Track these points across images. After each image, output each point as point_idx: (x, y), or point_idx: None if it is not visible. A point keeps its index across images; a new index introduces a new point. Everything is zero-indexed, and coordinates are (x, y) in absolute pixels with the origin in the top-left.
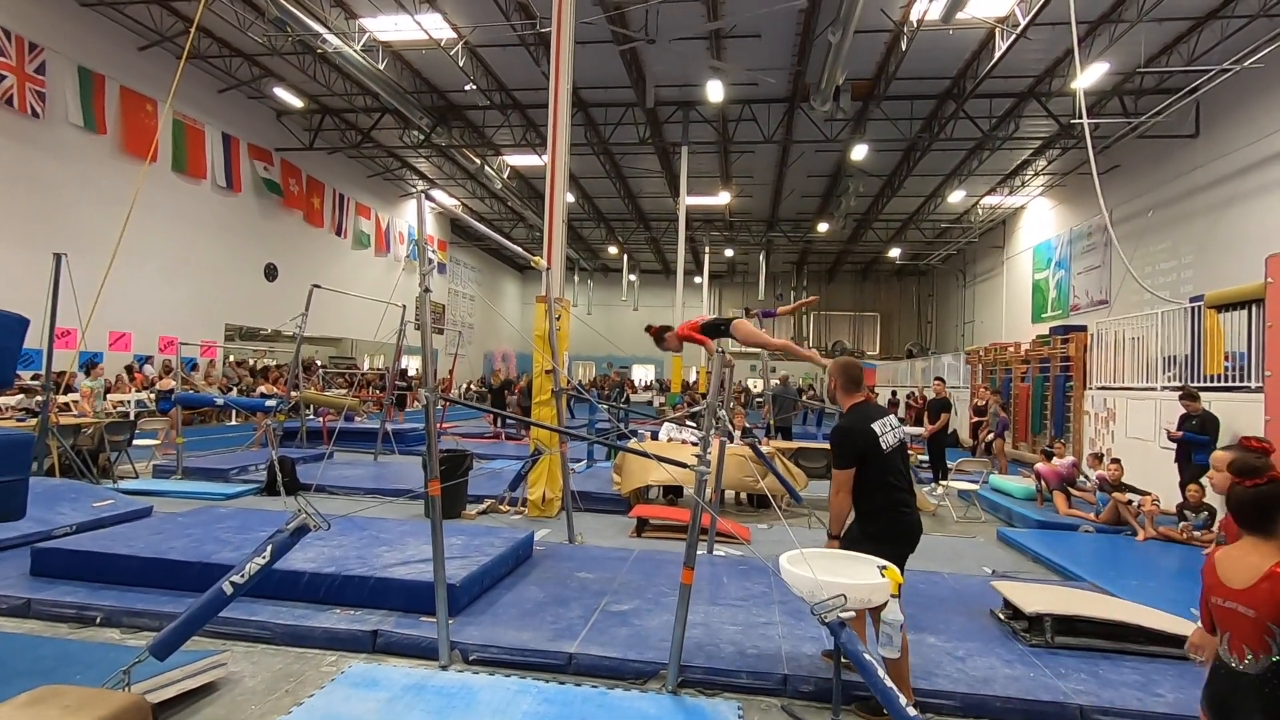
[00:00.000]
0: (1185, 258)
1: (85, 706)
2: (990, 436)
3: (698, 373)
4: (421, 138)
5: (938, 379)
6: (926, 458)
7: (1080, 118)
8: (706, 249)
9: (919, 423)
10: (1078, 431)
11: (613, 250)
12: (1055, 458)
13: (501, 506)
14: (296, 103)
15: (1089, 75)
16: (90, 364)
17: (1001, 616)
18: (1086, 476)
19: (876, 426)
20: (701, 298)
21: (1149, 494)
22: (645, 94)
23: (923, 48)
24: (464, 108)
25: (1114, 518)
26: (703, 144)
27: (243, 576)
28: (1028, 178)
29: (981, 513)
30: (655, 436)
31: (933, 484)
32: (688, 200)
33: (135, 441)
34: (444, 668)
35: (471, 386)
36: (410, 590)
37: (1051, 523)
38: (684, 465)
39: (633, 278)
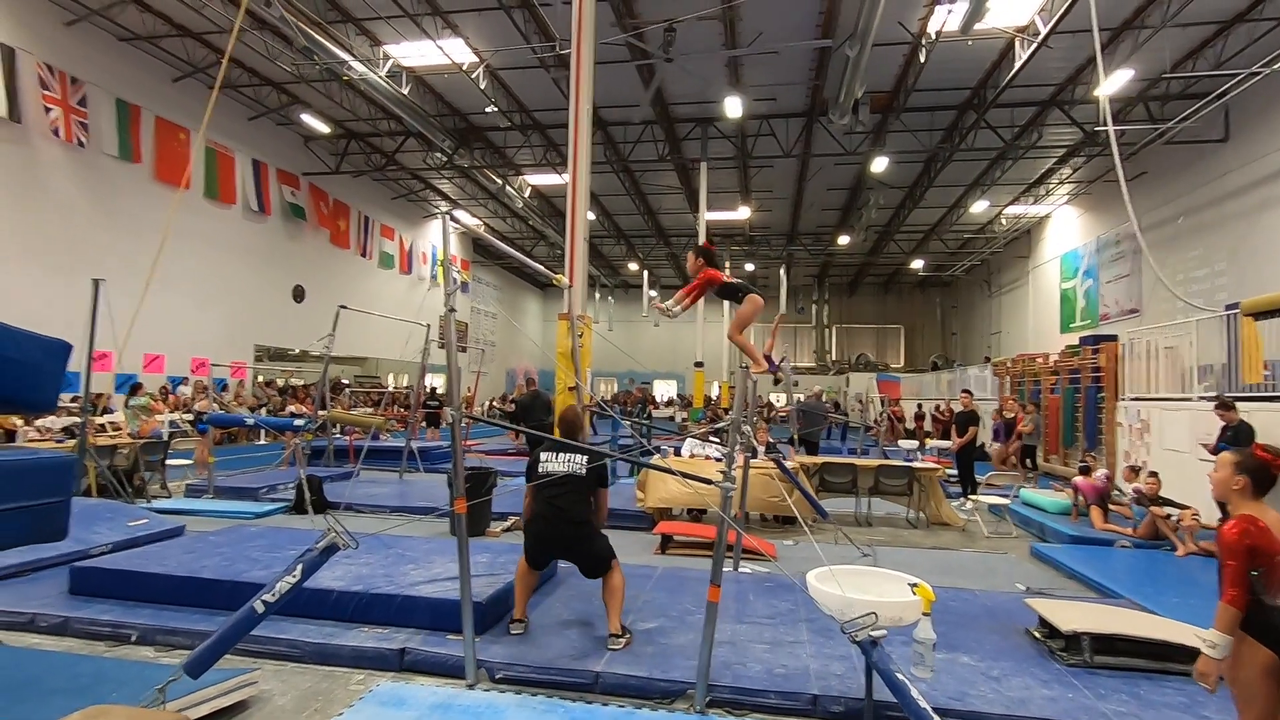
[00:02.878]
0: (1218, 264)
1: None
2: (1016, 444)
3: (719, 388)
4: (444, 159)
5: (964, 391)
6: (955, 472)
7: (1105, 125)
8: (727, 264)
9: (946, 436)
10: (1110, 444)
11: (633, 266)
12: (1092, 471)
13: None
14: (323, 128)
15: (1113, 82)
16: (163, 389)
17: (1037, 635)
18: (1120, 490)
19: (544, 454)
20: (722, 311)
21: (1188, 508)
22: (656, 103)
23: (942, 59)
24: (485, 129)
25: (1152, 532)
26: (722, 159)
27: (273, 595)
28: (1052, 186)
29: (1013, 528)
30: (678, 452)
31: (961, 498)
32: (707, 215)
33: (168, 461)
34: (470, 686)
35: (494, 404)
36: (437, 608)
37: (1086, 538)
38: (709, 482)
39: (653, 293)
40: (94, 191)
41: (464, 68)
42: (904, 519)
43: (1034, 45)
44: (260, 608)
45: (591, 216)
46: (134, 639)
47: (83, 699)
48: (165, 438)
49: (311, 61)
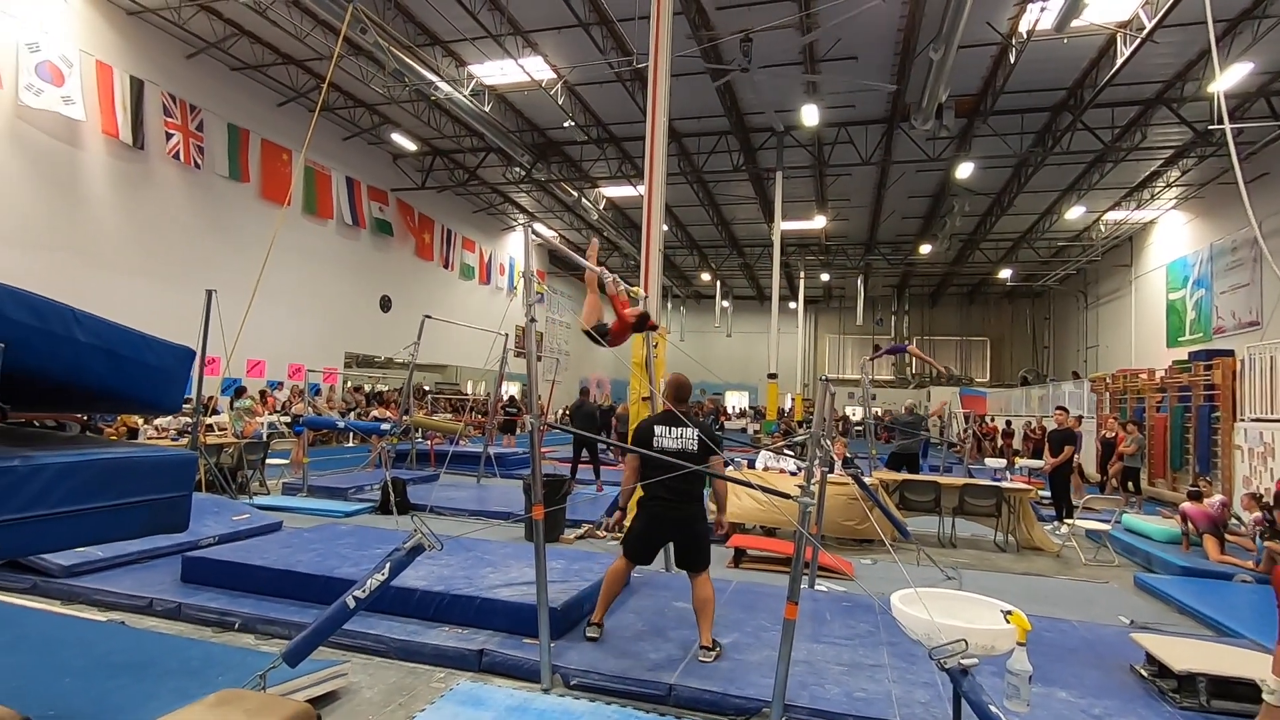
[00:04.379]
0: None
1: (264, 712)
2: (1117, 466)
3: (793, 400)
4: (523, 174)
5: (1059, 408)
6: (1048, 493)
7: (1220, 123)
8: (801, 274)
9: (1037, 455)
10: (1227, 468)
11: (705, 277)
12: (1204, 497)
13: (599, 532)
14: (411, 146)
15: (1229, 77)
16: (262, 392)
17: (1144, 673)
18: (1239, 519)
19: (659, 428)
20: (797, 323)
21: None
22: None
23: (1034, 59)
24: (562, 143)
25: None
26: (797, 168)
27: (364, 592)
28: (1157, 190)
29: (1114, 556)
30: (752, 465)
31: (1056, 523)
32: (782, 225)
33: (267, 460)
34: (546, 691)
35: (566, 411)
36: (514, 612)
37: (1200, 570)
38: (788, 496)
39: (726, 304)
40: (206, 209)
41: (543, 84)
42: (991, 542)
43: (1138, 41)
44: (352, 603)
45: (665, 227)
46: (237, 626)
47: (194, 680)
48: (265, 438)
49: (402, 83)
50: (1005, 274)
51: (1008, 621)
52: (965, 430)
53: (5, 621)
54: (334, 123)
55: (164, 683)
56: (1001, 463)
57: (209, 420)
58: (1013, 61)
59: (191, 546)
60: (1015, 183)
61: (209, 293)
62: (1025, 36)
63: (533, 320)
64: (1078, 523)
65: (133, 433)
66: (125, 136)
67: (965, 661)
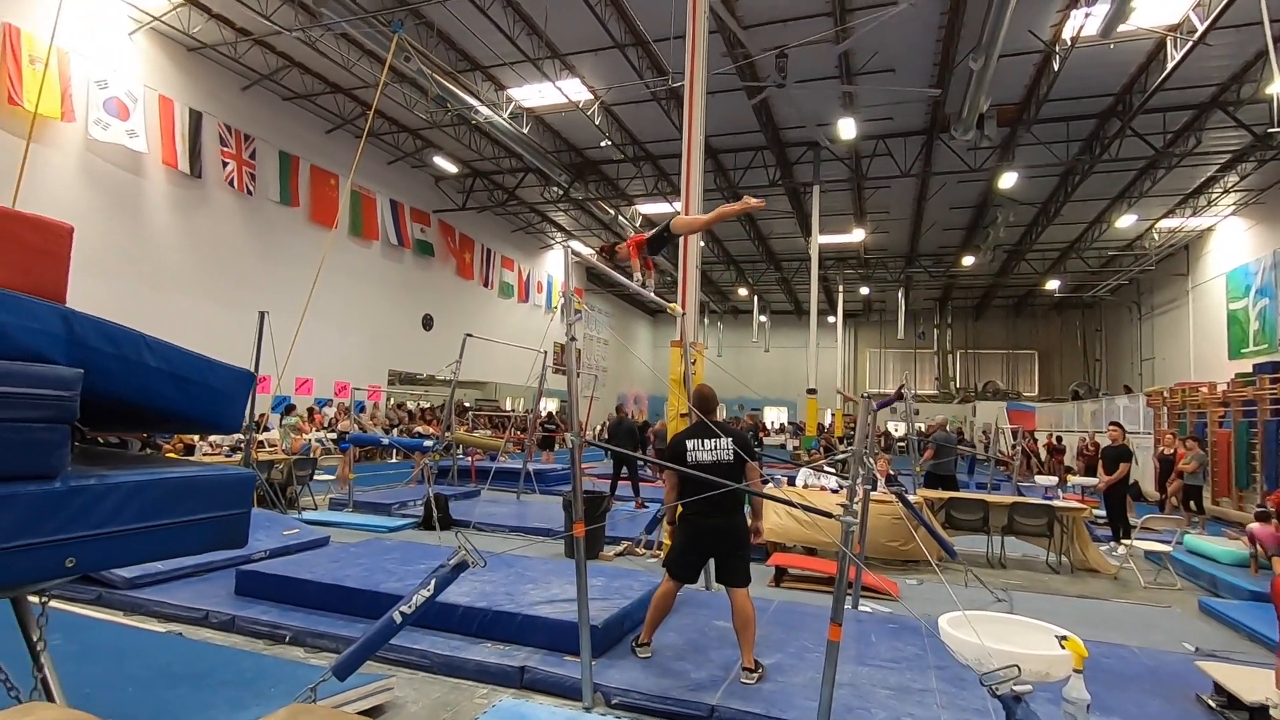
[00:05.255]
0: None
1: None
2: (1177, 483)
3: (833, 415)
4: (560, 193)
5: (1113, 424)
6: (1103, 513)
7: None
8: (840, 288)
9: (1090, 472)
10: None
11: (742, 292)
12: (1271, 517)
13: (638, 549)
14: (452, 169)
15: None
16: (310, 409)
17: (1211, 704)
18: None
19: (690, 442)
20: (836, 337)
21: None
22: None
23: (1079, 65)
24: (599, 162)
25: None
26: (835, 182)
27: (410, 607)
28: (1214, 196)
29: (1176, 579)
30: (792, 482)
31: (1112, 543)
32: (820, 239)
33: (315, 476)
34: (587, 709)
35: (604, 428)
36: (555, 629)
37: (1270, 594)
38: (829, 515)
39: (763, 319)
40: (259, 233)
41: (580, 105)
42: (1043, 562)
43: (1189, 44)
44: (398, 618)
45: (702, 244)
46: (288, 639)
47: (248, 691)
48: (311, 454)
49: (444, 109)
50: (1053, 285)
51: (1063, 647)
52: (1014, 446)
53: (75, 630)
54: (379, 148)
55: (220, 693)
56: (1053, 480)
57: (260, 437)
58: (1056, 69)
59: (244, 560)
60: (1062, 191)
61: (262, 314)
62: (1069, 43)
63: (572, 339)
64: (1136, 543)
65: (189, 449)
66: (184, 166)
67: (1018, 688)
